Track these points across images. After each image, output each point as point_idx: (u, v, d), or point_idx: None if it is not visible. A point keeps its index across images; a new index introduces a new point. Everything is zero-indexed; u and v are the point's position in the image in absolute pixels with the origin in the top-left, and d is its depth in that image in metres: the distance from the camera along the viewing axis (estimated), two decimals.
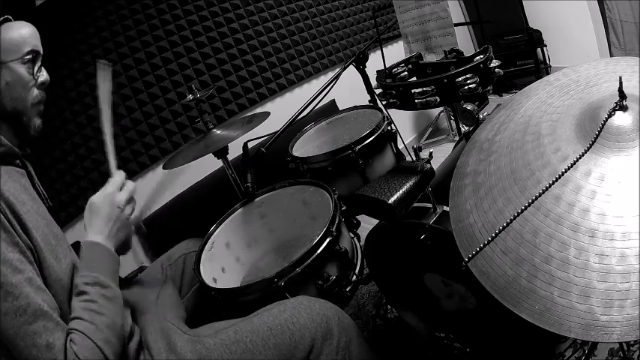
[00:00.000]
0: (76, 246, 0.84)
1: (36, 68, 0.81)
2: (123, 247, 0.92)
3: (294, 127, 1.38)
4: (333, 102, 2.55)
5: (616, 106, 0.63)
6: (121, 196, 0.90)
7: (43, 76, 0.83)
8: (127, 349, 0.81)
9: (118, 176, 0.94)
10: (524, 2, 3.12)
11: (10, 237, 0.67)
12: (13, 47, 0.78)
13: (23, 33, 0.80)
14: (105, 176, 1.97)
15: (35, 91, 0.82)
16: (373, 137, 1.42)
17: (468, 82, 1.08)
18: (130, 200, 0.93)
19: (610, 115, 0.63)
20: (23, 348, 0.63)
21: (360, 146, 1.39)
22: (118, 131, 1.93)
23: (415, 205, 1.17)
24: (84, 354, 0.67)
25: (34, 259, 0.71)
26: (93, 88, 1.85)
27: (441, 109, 3.24)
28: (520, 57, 3.32)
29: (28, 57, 0.79)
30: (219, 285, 1.20)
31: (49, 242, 0.76)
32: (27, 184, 0.83)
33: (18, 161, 0.84)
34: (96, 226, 0.85)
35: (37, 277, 0.69)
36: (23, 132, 0.82)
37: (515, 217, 0.65)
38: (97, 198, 0.88)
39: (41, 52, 0.83)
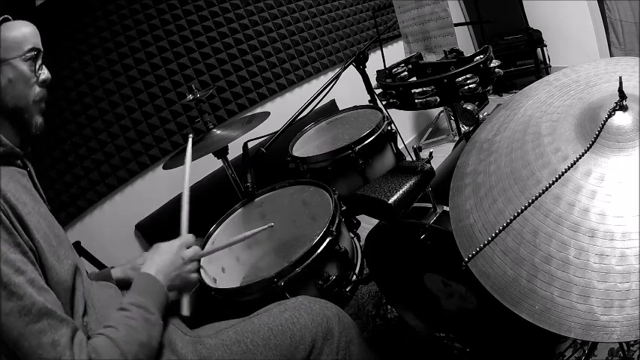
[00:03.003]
0: (77, 246, 0.84)
1: (37, 66, 0.81)
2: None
3: (294, 127, 1.38)
4: (333, 102, 2.55)
5: (616, 106, 0.63)
6: (187, 252, 0.99)
7: (45, 74, 0.83)
8: None
9: (188, 237, 1.04)
10: (524, 2, 3.12)
11: (12, 238, 0.67)
12: (15, 45, 0.78)
13: (24, 31, 0.80)
14: (104, 175, 1.96)
15: (37, 89, 0.82)
16: (373, 137, 1.42)
17: (468, 82, 1.08)
18: (194, 260, 1.01)
19: (610, 115, 0.63)
20: (28, 348, 0.63)
21: (360, 146, 1.39)
22: (117, 131, 1.93)
23: (415, 205, 1.17)
24: (107, 358, 0.68)
25: (36, 260, 0.71)
26: (93, 88, 1.87)
27: (441, 109, 3.24)
28: (520, 57, 3.32)
29: (29, 54, 0.79)
30: (219, 285, 1.19)
31: (50, 243, 0.75)
32: (28, 184, 0.83)
33: (19, 161, 0.84)
34: (157, 264, 0.92)
35: (40, 278, 0.69)
36: (25, 130, 0.82)
37: (515, 217, 0.65)
38: (165, 244, 0.98)
39: (42, 50, 0.83)
